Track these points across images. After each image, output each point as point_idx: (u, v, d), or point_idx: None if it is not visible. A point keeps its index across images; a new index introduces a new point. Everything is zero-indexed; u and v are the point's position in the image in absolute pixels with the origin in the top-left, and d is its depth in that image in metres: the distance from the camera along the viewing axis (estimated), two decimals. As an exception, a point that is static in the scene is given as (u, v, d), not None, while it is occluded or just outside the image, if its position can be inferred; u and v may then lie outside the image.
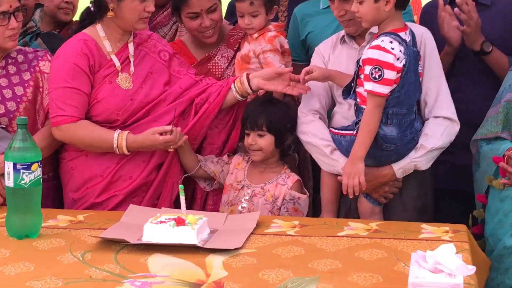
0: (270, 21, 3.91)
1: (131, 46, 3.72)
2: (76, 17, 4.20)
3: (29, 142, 3.10)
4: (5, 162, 3.08)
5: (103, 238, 3.02)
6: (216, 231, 3.13)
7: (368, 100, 3.30)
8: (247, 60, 3.89)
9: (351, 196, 3.43)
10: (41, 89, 3.69)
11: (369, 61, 3.25)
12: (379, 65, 3.21)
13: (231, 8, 4.42)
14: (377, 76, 3.22)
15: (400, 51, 3.25)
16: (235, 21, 4.16)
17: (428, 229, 3.18)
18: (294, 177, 3.70)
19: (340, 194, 3.60)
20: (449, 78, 3.70)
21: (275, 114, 3.68)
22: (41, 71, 3.70)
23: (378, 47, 3.24)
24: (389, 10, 3.26)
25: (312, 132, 3.63)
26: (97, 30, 3.67)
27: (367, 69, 3.25)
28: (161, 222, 3.00)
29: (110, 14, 3.62)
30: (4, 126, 3.62)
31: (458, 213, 3.90)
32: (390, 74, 3.23)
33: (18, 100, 3.65)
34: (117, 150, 3.58)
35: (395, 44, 3.25)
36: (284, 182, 3.68)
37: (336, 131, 3.55)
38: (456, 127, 3.52)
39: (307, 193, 3.71)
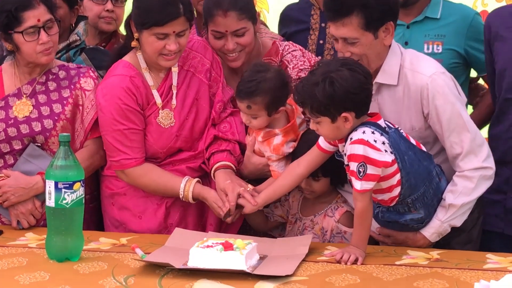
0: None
1: (175, 75, 3.51)
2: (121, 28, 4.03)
3: (72, 160, 3.02)
4: (46, 180, 3.01)
5: (147, 262, 2.95)
6: (265, 257, 3.05)
7: (359, 199, 3.08)
8: (260, 154, 3.50)
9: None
10: (81, 107, 3.55)
11: (354, 157, 3.06)
12: (364, 161, 3.03)
13: (283, 17, 4.19)
14: (362, 172, 3.04)
15: (383, 142, 3.06)
16: (284, 33, 4.03)
17: (494, 259, 3.05)
18: (343, 208, 3.41)
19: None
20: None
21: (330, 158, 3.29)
22: (82, 88, 3.56)
23: (361, 142, 3.04)
24: (350, 127, 3.08)
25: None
26: (139, 60, 3.48)
27: (353, 165, 3.06)
28: (208, 246, 2.93)
29: (134, 43, 3.45)
30: (39, 144, 3.51)
31: None
32: (372, 170, 3.03)
33: (56, 118, 3.52)
34: (182, 199, 3.47)
35: (377, 135, 3.06)
36: (332, 214, 3.43)
37: None
38: (490, 171, 3.28)
39: None
